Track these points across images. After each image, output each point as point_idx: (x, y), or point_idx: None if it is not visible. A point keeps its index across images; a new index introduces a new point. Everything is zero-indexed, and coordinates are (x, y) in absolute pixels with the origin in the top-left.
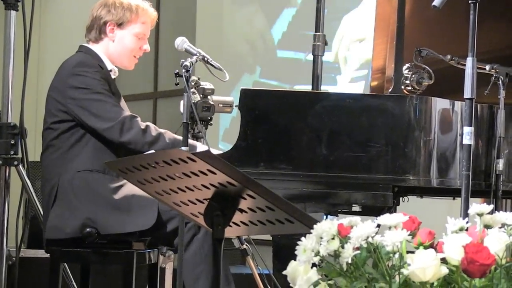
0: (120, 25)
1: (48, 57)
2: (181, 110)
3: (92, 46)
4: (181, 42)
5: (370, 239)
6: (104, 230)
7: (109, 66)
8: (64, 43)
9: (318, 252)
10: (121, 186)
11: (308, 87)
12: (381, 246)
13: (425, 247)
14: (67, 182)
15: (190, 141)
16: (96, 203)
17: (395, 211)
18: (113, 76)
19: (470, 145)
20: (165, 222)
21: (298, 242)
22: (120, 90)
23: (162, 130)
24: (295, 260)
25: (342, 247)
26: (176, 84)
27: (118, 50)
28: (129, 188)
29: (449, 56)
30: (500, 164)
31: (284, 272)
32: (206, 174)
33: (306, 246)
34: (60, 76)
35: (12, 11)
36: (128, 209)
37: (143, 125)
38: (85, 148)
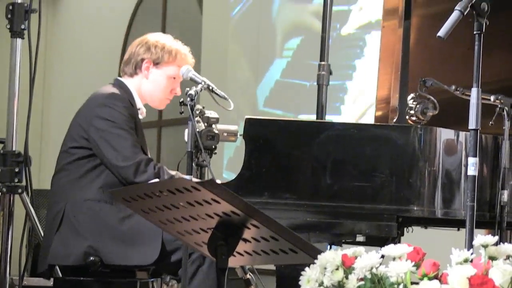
0: (156, 64)
1: (53, 86)
2: (186, 138)
3: (126, 81)
4: (186, 71)
5: (374, 270)
6: (108, 260)
7: (138, 104)
8: (70, 71)
9: (322, 282)
10: (127, 217)
11: (312, 117)
12: (385, 277)
13: (430, 278)
14: (74, 209)
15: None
16: (101, 233)
17: (399, 242)
18: (140, 117)
19: (475, 176)
20: (170, 253)
21: (302, 272)
22: None
23: (173, 172)
24: None
25: (346, 277)
26: (181, 113)
27: (150, 88)
28: (134, 220)
29: (453, 87)
30: (505, 195)
31: None
32: (210, 203)
33: (310, 277)
34: (90, 104)
35: (18, 39)
36: (132, 242)
37: (156, 168)
38: (97, 178)
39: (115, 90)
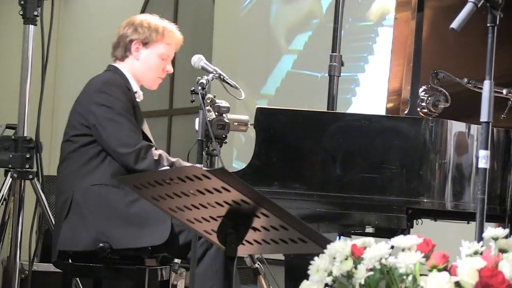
0: (145, 44)
1: (65, 72)
2: (196, 127)
3: (119, 65)
4: (198, 60)
5: (383, 261)
6: (117, 244)
7: (134, 87)
8: (82, 58)
9: (331, 272)
10: (135, 200)
11: (323, 108)
12: (394, 268)
13: (439, 270)
14: (82, 195)
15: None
16: (110, 217)
17: (408, 234)
18: (138, 100)
19: (486, 168)
20: (177, 235)
21: (311, 262)
22: None
23: (173, 159)
24: (307, 280)
25: (355, 268)
26: (192, 102)
27: (142, 69)
28: (143, 203)
29: (466, 79)
30: None
31: None
32: (220, 192)
33: (319, 266)
34: (87, 92)
35: (30, 25)
36: (141, 224)
37: (156, 155)
38: (102, 163)
39: (111, 76)
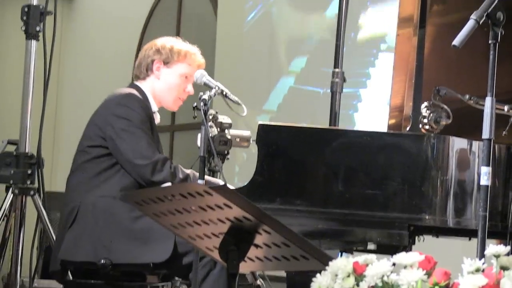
0: (166, 63)
1: (67, 88)
2: (198, 143)
3: (140, 84)
4: (200, 76)
5: (385, 278)
6: (118, 258)
7: (154, 107)
8: (84, 74)
9: None
10: (140, 216)
11: (325, 124)
12: (396, 285)
13: (441, 287)
14: (89, 205)
15: (207, 177)
16: (114, 231)
17: (410, 250)
18: (156, 122)
19: (487, 185)
20: (182, 255)
21: (313, 279)
22: None
23: (188, 171)
24: None
25: (357, 285)
26: (194, 118)
27: (163, 88)
28: (148, 219)
29: (467, 96)
30: None
31: None
32: (222, 208)
33: (321, 283)
34: (107, 104)
35: (33, 40)
36: (144, 240)
37: (172, 167)
38: (113, 176)
39: (132, 91)
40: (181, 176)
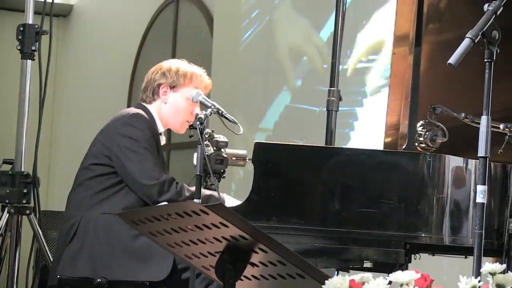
0: (173, 87)
1: (62, 108)
2: (194, 162)
3: (147, 106)
4: (196, 95)
5: None
6: (116, 275)
7: (160, 129)
8: (80, 93)
9: None
10: (140, 234)
11: (321, 143)
12: None
13: None
14: (90, 221)
15: (211, 192)
16: (113, 248)
17: (406, 269)
18: (161, 143)
19: (483, 203)
20: (180, 271)
21: None
22: None
23: (193, 189)
24: None
25: None
26: (190, 136)
27: (170, 112)
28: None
29: (463, 114)
30: None
31: None
32: (218, 227)
33: None
34: (113, 123)
35: (28, 60)
36: (143, 258)
37: (178, 187)
38: (116, 194)
39: (139, 111)
40: (187, 194)
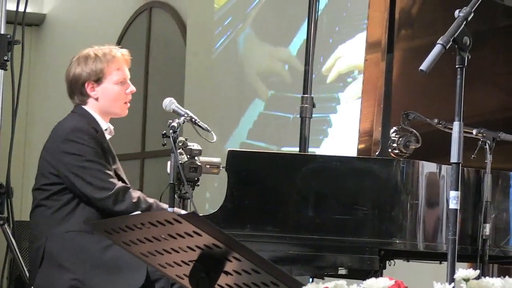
0: (97, 81)
1: (36, 117)
2: (168, 170)
3: (84, 107)
4: (169, 103)
5: None
6: None
7: (103, 125)
8: (53, 103)
9: None
10: (110, 245)
11: (295, 149)
12: None
13: None
14: (55, 242)
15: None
16: (85, 264)
17: (381, 275)
18: (108, 136)
19: (456, 209)
20: (153, 282)
21: None
22: None
23: (151, 201)
24: None
25: None
26: (164, 145)
27: (106, 103)
28: (118, 248)
29: (436, 120)
30: (487, 229)
31: None
32: (191, 236)
33: None
34: (54, 140)
35: (0, 70)
36: (116, 269)
37: (135, 197)
38: (75, 209)
39: (77, 122)
40: (143, 206)
